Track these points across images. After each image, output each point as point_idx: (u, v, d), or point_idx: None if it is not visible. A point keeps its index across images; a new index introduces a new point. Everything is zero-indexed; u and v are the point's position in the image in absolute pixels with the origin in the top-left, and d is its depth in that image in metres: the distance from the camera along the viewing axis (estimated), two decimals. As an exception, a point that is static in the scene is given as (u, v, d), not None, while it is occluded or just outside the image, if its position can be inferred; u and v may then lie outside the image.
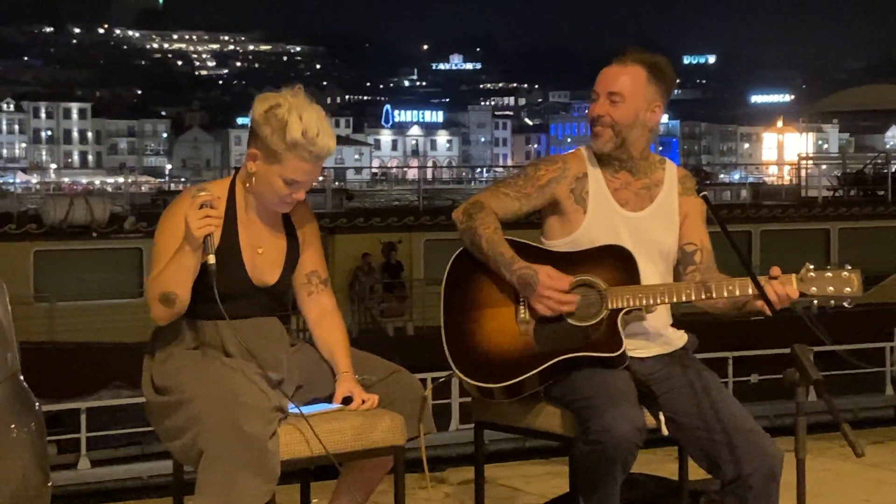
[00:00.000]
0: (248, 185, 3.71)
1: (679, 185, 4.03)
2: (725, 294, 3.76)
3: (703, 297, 3.78)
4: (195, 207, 3.53)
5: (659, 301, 3.79)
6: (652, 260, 3.91)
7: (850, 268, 3.72)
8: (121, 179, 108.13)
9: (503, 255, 3.80)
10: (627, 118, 3.90)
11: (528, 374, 3.74)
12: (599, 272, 3.80)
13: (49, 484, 3.84)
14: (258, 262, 3.72)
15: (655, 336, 3.92)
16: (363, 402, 3.68)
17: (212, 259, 3.56)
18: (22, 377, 3.80)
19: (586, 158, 3.99)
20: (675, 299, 3.81)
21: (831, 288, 3.71)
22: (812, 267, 3.73)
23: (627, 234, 3.89)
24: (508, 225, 3.96)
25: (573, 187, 3.94)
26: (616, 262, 3.81)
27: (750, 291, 3.73)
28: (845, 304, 3.70)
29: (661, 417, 3.79)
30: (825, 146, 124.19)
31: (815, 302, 3.73)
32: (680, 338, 3.98)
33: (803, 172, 35.76)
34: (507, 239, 3.85)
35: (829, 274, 3.72)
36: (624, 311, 3.76)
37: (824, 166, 37.27)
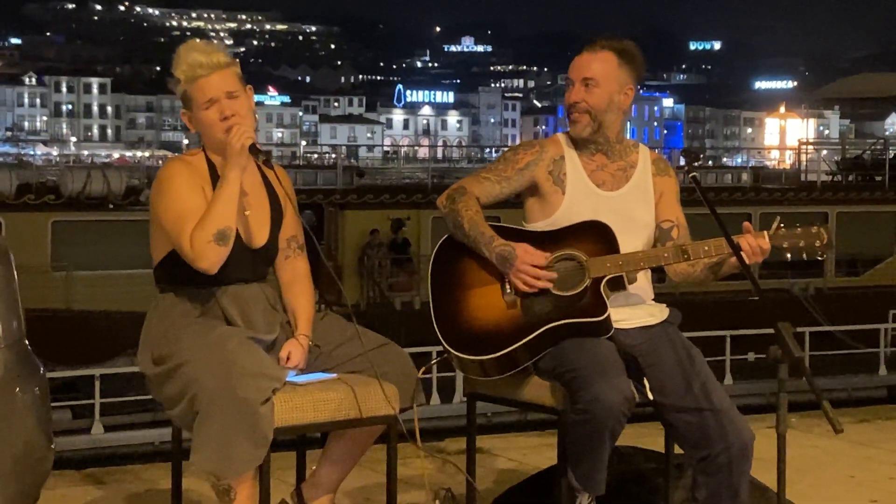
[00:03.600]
0: (204, 144, 3.79)
1: (653, 167, 4.07)
2: (702, 254, 3.81)
3: (681, 259, 3.81)
4: (233, 133, 3.64)
5: (638, 266, 3.83)
6: (632, 235, 3.93)
7: (819, 224, 3.81)
8: (139, 153, 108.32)
9: (483, 234, 3.84)
10: (602, 102, 3.94)
11: (517, 345, 3.75)
12: (580, 246, 3.83)
13: (52, 447, 3.85)
14: (247, 224, 3.74)
15: (638, 307, 3.94)
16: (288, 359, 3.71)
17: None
18: (27, 342, 3.81)
19: (564, 142, 4.03)
20: (653, 264, 3.86)
21: (802, 242, 3.78)
22: (782, 224, 3.79)
23: (606, 213, 3.91)
24: (494, 205, 3.99)
25: (551, 169, 3.97)
26: (595, 236, 3.84)
27: (725, 251, 3.76)
28: (818, 257, 3.80)
29: (647, 384, 3.80)
30: (826, 132, 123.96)
31: (789, 256, 3.79)
32: (662, 310, 3.99)
33: (803, 157, 35.72)
34: (490, 224, 3.89)
35: (799, 230, 3.79)
36: (606, 278, 3.78)
37: (824, 151, 37.27)
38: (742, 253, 3.68)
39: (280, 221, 3.84)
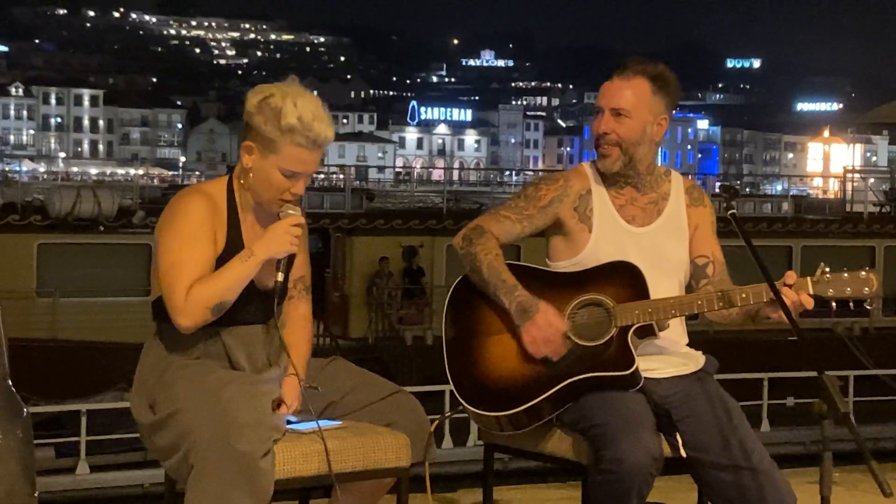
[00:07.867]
0: (243, 181, 3.70)
1: (686, 197, 4.04)
2: (739, 302, 3.77)
3: (716, 307, 3.78)
4: (288, 225, 3.59)
5: (669, 314, 3.78)
6: (665, 274, 3.91)
7: (867, 268, 3.76)
8: (132, 171, 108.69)
9: (504, 282, 3.81)
10: (634, 134, 3.90)
11: (536, 401, 3.73)
12: (607, 290, 3.80)
13: (36, 494, 3.84)
14: (262, 266, 3.71)
15: (671, 355, 3.91)
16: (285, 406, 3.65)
17: (281, 277, 3.65)
18: (10, 382, 3.80)
19: (590, 175, 4.00)
20: (686, 312, 3.82)
21: (849, 289, 3.74)
22: (827, 269, 3.74)
23: (636, 251, 3.88)
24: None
25: (577, 205, 3.95)
26: (623, 279, 3.81)
27: (764, 298, 3.73)
28: (866, 306, 3.77)
29: (679, 439, 3.78)
30: (874, 158, 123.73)
31: (834, 304, 3.75)
32: (697, 359, 3.97)
33: (849, 186, 35.57)
34: (510, 263, 3.86)
35: (846, 275, 3.75)
36: (634, 327, 3.75)
37: (872, 180, 37.04)
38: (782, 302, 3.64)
39: (293, 261, 3.82)
